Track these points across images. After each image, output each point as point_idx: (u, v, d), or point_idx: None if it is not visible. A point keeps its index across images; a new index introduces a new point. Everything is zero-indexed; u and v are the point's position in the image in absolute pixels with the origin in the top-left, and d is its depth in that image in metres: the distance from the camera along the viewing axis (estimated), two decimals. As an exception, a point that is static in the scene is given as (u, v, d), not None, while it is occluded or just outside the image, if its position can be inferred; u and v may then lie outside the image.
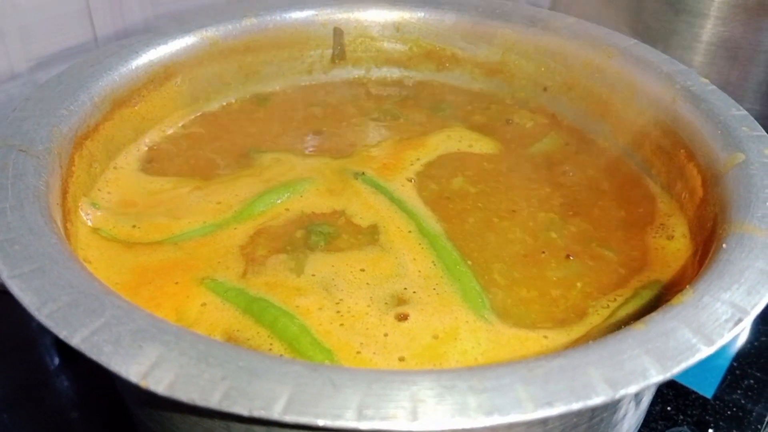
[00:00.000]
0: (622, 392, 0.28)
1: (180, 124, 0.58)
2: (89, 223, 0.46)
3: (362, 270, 0.44)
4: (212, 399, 0.27)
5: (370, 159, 0.55)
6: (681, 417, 0.53)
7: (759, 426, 0.52)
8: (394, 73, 0.67)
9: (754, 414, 0.53)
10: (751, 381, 0.56)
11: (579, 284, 0.44)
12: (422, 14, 0.65)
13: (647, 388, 0.28)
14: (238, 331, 0.39)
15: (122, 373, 0.28)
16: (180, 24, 0.58)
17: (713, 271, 0.35)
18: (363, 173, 0.53)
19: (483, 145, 0.57)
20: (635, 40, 0.57)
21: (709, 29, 0.73)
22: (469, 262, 0.45)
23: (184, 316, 0.40)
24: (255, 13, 0.61)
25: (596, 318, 0.42)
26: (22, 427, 0.52)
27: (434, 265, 0.45)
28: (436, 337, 0.39)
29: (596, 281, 0.44)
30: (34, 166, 0.40)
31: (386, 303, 0.42)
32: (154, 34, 0.56)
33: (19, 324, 0.58)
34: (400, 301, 0.42)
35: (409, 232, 0.47)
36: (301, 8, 0.63)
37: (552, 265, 0.46)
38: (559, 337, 0.40)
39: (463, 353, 0.39)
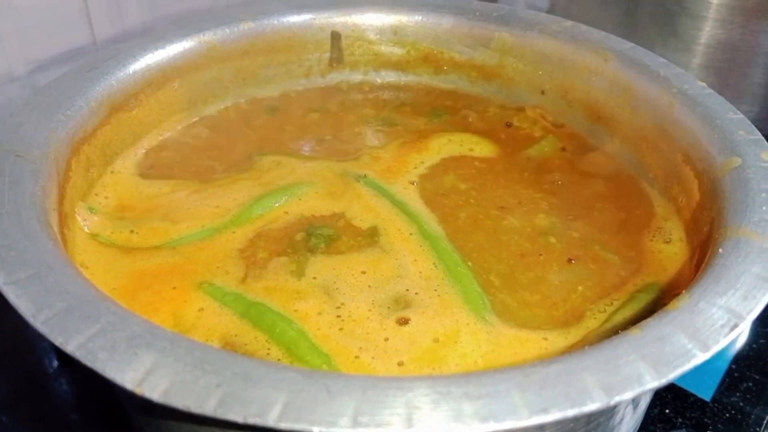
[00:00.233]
0: (617, 398, 0.28)
1: (177, 129, 0.59)
2: (86, 229, 0.46)
3: (363, 272, 0.44)
4: (207, 406, 0.27)
5: (372, 162, 0.55)
6: (680, 420, 0.52)
7: (758, 428, 0.52)
8: (391, 76, 0.67)
9: (752, 416, 0.53)
10: (750, 384, 0.56)
11: (580, 288, 0.44)
12: (420, 18, 0.65)
13: (643, 394, 0.28)
14: (235, 335, 0.39)
15: (117, 380, 0.28)
16: (178, 28, 0.58)
17: (709, 276, 0.35)
18: (365, 176, 0.53)
19: (483, 149, 0.57)
20: (632, 44, 0.57)
21: (706, 32, 0.73)
22: (470, 263, 0.45)
23: (181, 321, 0.40)
24: (252, 17, 0.61)
25: (593, 322, 0.42)
26: (21, 430, 0.52)
27: (435, 266, 0.45)
28: (436, 340, 0.39)
29: (595, 284, 0.44)
30: (31, 172, 0.40)
31: (388, 307, 0.42)
32: (151, 38, 0.56)
33: (18, 327, 0.58)
34: (402, 303, 0.42)
35: (411, 234, 0.47)
36: (299, 12, 0.63)
37: (552, 267, 0.46)
38: (558, 339, 0.40)
39: (463, 356, 0.39)
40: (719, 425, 0.52)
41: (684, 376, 0.29)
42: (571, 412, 0.27)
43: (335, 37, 0.65)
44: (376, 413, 0.27)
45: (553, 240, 0.48)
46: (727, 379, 0.56)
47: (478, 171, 0.55)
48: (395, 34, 0.65)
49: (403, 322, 0.41)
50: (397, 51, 0.66)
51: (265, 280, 0.43)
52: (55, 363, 0.57)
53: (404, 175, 0.53)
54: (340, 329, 0.40)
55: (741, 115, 0.47)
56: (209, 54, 0.59)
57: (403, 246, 0.46)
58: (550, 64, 0.61)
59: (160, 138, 0.57)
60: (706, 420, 0.52)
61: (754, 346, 0.59)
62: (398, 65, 0.67)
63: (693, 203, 0.46)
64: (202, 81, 0.60)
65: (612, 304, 0.43)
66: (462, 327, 0.40)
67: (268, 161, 0.55)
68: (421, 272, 0.44)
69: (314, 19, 0.64)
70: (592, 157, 0.57)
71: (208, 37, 0.59)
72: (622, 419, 0.38)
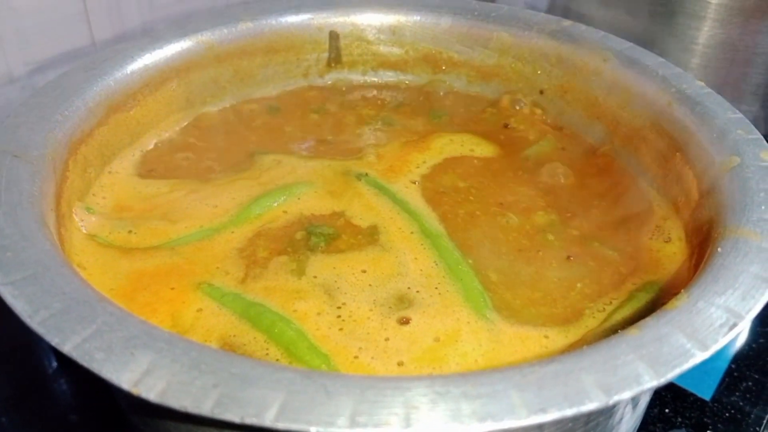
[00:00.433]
0: (615, 398, 0.28)
1: (175, 129, 0.58)
2: (83, 229, 0.46)
3: (364, 271, 0.44)
4: (204, 406, 0.27)
5: (374, 162, 0.55)
6: (679, 419, 0.52)
7: (757, 428, 0.52)
8: (390, 76, 0.67)
9: (752, 416, 0.53)
10: (750, 383, 0.56)
11: (578, 285, 0.44)
12: (418, 18, 0.65)
13: (641, 393, 0.28)
14: (234, 336, 0.39)
15: (114, 381, 0.28)
16: (176, 28, 0.58)
17: (708, 276, 0.35)
18: (366, 174, 0.53)
19: (484, 149, 0.57)
20: (631, 43, 0.57)
21: (705, 32, 0.73)
22: (470, 261, 0.45)
23: (179, 321, 0.40)
24: (251, 17, 0.61)
25: (592, 321, 0.42)
26: (20, 431, 0.52)
27: (436, 264, 0.45)
28: (437, 339, 0.39)
29: (593, 281, 0.44)
30: (29, 172, 0.40)
31: (389, 307, 0.42)
32: (149, 39, 0.56)
33: (16, 327, 0.58)
34: (403, 301, 0.42)
35: (411, 233, 0.47)
36: (297, 12, 0.63)
37: (551, 264, 0.46)
38: (559, 337, 0.40)
39: (464, 355, 0.39)
40: (719, 425, 0.52)
41: (683, 376, 0.29)
42: (569, 412, 0.27)
43: (333, 37, 0.65)
44: (374, 413, 0.26)
45: (551, 237, 0.48)
46: (726, 379, 0.56)
47: (478, 171, 0.55)
48: (394, 34, 0.65)
49: (404, 321, 0.40)
50: (396, 51, 0.66)
51: (265, 280, 0.43)
52: (54, 364, 0.57)
53: (406, 175, 0.53)
54: (340, 329, 0.40)
55: (740, 115, 0.47)
56: (207, 54, 0.59)
57: (403, 244, 0.46)
58: (548, 64, 0.61)
59: (158, 138, 0.57)
60: (705, 419, 0.52)
61: (753, 345, 0.59)
62: (397, 65, 0.67)
63: (692, 203, 0.46)
64: (201, 81, 0.60)
65: (611, 303, 0.43)
66: (463, 326, 0.40)
67: (268, 160, 0.55)
68: (421, 270, 0.44)
69: (312, 19, 0.64)
70: (591, 157, 0.57)
71: (206, 37, 0.59)
72: (621, 419, 0.38)
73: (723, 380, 0.56)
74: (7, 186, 0.38)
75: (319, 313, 0.41)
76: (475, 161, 0.56)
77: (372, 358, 0.38)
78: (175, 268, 0.43)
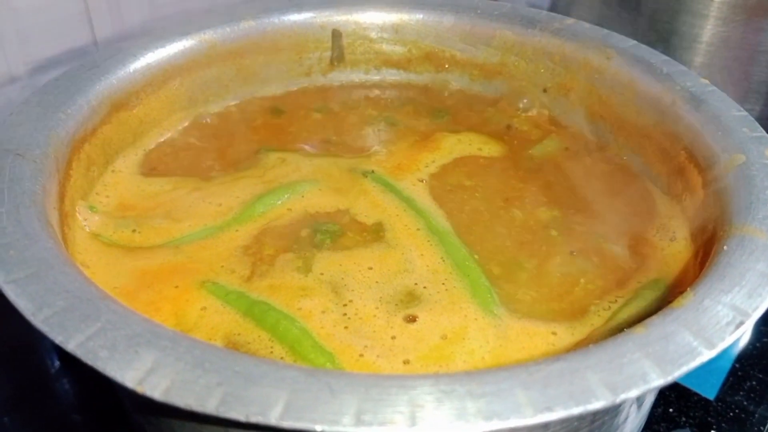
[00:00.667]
0: (622, 397, 0.27)
1: (178, 128, 0.58)
2: (87, 228, 0.46)
3: (370, 268, 0.44)
4: (208, 404, 0.26)
5: (382, 160, 0.55)
6: (683, 419, 0.52)
7: (761, 428, 0.52)
8: (393, 75, 0.67)
9: (756, 416, 0.53)
10: (754, 383, 0.55)
11: (582, 280, 0.44)
12: (421, 16, 0.64)
13: (648, 392, 0.28)
14: (238, 335, 0.39)
15: (118, 379, 0.27)
16: (178, 27, 0.58)
17: (714, 274, 0.34)
18: (372, 171, 0.53)
19: (491, 149, 0.57)
20: (634, 41, 0.57)
21: (709, 30, 0.72)
22: (476, 256, 0.45)
23: (183, 320, 0.40)
24: (253, 16, 0.61)
25: (598, 319, 0.41)
26: (23, 431, 0.52)
27: (443, 260, 0.45)
28: (444, 337, 0.39)
29: (597, 276, 0.44)
30: (31, 171, 0.40)
31: (396, 304, 0.41)
32: (152, 37, 0.56)
33: (19, 327, 0.58)
34: (410, 298, 0.42)
35: (418, 229, 0.47)
36: (299, 10, 0.63)
37: (558, 261, 0.46)
38: (567, 334, 0.40)
39: (471, 353, 0.38)
40: (723, 424, 0.52)
41: (688, 375, 0.29)
42: (575, 411, 0.27)
43: (336, 35, 0.65)
44: (379, 411, 0.26)
45: (555, 233, 0.48)
46: (730, 378, 0.56)
47: (483, 169, 0.54)
48: (396, 32, 0.65)
49: (411, 319, 0.40)
50: (399, 49, 0.66)
51: (271, 278, 0.43)
52: (57, 363, 0.57)
53: (414, 173, 0.53)
54: (345, 327, 0.40)
55: (744, 113, 0.47)
56: (210, 53, 0.59)
57: (409, 241, 0.46)
58: (552, 62, 0.61)
59: (161, 137, 0.57)
60: (709, 419, 0.52)
61: (757, 345, 0.59)
62: (399, 64, 0.66)
63: (697, 201, 0.46)
64: (203, 80, 0.59)
65: (616, 301, 0.43)
66: (470, 322, 0.40)
67: (272, 158, 0.55)
68: (428, 266, 0.44)
69: (315, 17, 0.63)
70: (595, 156, 0.57)
71: (209, 35, 0.59)
72: (626, 418, 0.38)
73: (727, 380, 0.56)
74: (9, 184, 0.38)
75: (323, 311, 0.41)
76: (481, 160, 0.56)
77: (377, 356, 0.38)
78: (179, 266, 0.43)
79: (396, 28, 0.65)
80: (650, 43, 0.57)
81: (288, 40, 0.63)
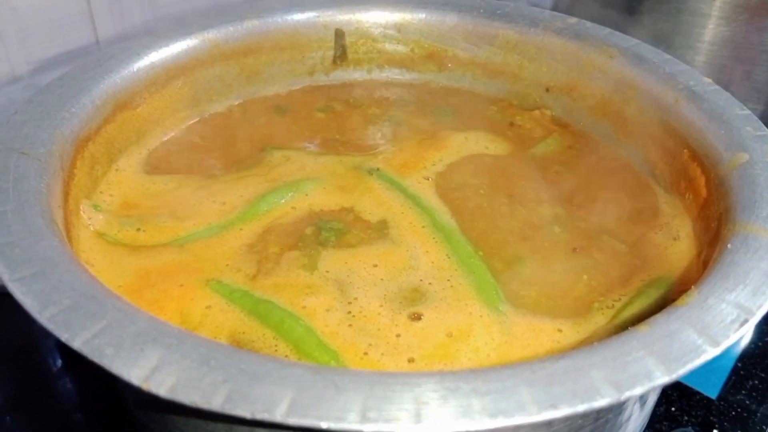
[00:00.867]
0: (627, 394, 0.28)
1: (182, 127, 0.58)
2: (91, 227, 0.46)
3: (375, 265, 0.44)
4: (214, 402, 0.26)
5: (389, 158, 0.55)
6: (685, 418, 0.52)
7: (764, 426, 0.52)
8: (395, 74, 0.67)
9: (758, 414, 0.53)
10: (756, 381, 0.56)
11: (585, 276, 0.44)
12: (423, 15, 0.64)
13: (652, 390, 0.28)
14: (243, 333, 0.39)
15: (124, 376, 0.28)
16: (181, 26, 0.58)
17: (718, 272, 0.34)
18: (378, 169, 0.53)
19: (497, 147, 0.57)
20: (637, 40, 0.57)
21: (711, 29, 0.72)
22: (481, 253, 0.45)
23: (188, 318, 0.40)
24: (256, 15, 0.61)
25: (602, 317, 0.41)
26: (25, 430, 0.52)
27: (448, 257, 0.45)
28: (449, 335, 0.39)
29: (600, 273, 0.45)
30: (36, 169, 0.40)
31: (400, 302, 0.41)
32: (155, 37, 0.56)
33: (21, 326, 0.58)
34: (415, 295, 0.42)
35: (423, 227, 0.47)
36: (302, 10, 0.63)
37: (561, 258, 0.46)
38: (572, 331, 0.40)
39: (476, 350, 0.39)
40: (725, 423, 0.52)
41: (690, 374, 0.29)
42: (580, 408, 0.27)
43: (339, 34, 0.65)
44: (385, 409, 0.26)
45: (558, 230, 0.48)
46: (733, 377, 0.56)
47: (488, 168, 0.55)
48: (399, 31, 0.65)
49: (416, 317, 0.40)
50: (401, 48, 0.66)
51: (277, 276, 0.43)
52: (59, 362, 0.57)
53: (420, 171, 0.53)
54: (349, 325, 0.40)
55: (748, 111, 0.47)
56: (213, 52, 0.59)
57: (414, 238, 0.46)
58: (554, 61, 0.61)
59: (165, 136, 0.57)
60: (712, 418, 0.52)
61: (759, 344, 0.59)
62: (402, 63, 0.67)
63: (700, 200, 0.46)
64: (206, 79, 0.60)
65: (620, 299, 0.43)
66: (475, 320, 0.40)
67: (276, 157, 0.55)
68: (433, 263, 0.44)
69: (318, 16, 0.64)
70: (598, 155, 0.57)
71: (212, 35, 0.59)
72: (630, 416, 0.38)
73: (729, 379, 0.56)
74: (14, 183, 0.38)
75: (328, 310, 0.41)
76: (485, 158, 0.56)
77: (382, 354, 0.38)
78: (184, 265, 0.43)
79: (399, 27, 0.65)
80: (652, 43, 0.57)
81: (291, 40, 0.63)
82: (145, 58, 0.54)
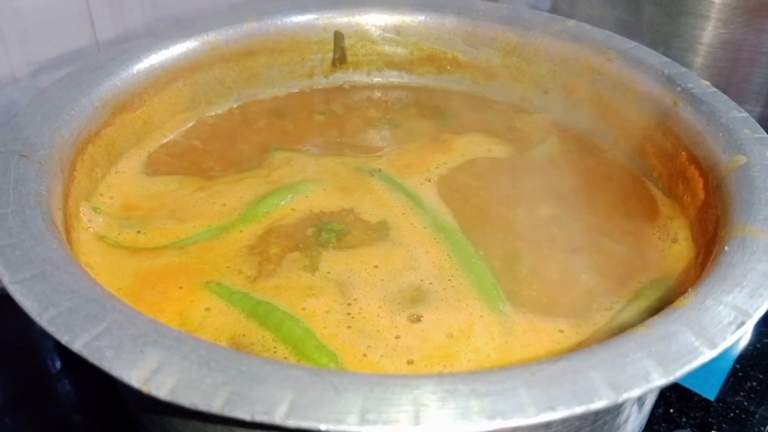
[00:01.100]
0: (625, 396, 0.28)
1: (181, 129, 0.58)
2: (91, 229, 0.46)
3: (376, 266, 0.44)
4: (214, 404, 0.27)
5: (390, 161, 0.55)
6: (684, 419, 0.52)
7: (762, 428, 0.52)
8: (394, 76, 0.67)
9: (757, 416, 0.53)
10: (754, 383, 0.56)
11: (584, 277, 0.44)
12: (423, 18, 0.65)
13: (650, 391, 0.28)
14: (243, 336, 0.39)
15: (124, 378, 0.28)
16: (181, 28, 0.58)
17: (715, 274, 0.35)
18: (379, 170, 0.53)
19: (500, 149, 0.57)
20: (636, 43, 0.57)
21: (709, 31, 0.73)
22: (482, 253, 0.46)
23: (188, 320, 0.40)
24: (256, 17, 0.61)
25: (600, 318, 0.42)
26: (24, 431, 0.52)
27: (449, 257, 0.45)
28: (450, 335, 0.39)
29: (598, 273, 0.45)
30: (36, 171, 0.40)
31: (399, 303, 0.42)
32: (155, 39, 0.56)
33: (21, 328, 0.58)
34: (416, 295, 0.42)
35: (424, 227, 0.48)
36: (302, 12, 0.63)
37: (563, 259, 0.46)
38: (572, 332, 0.40)
39: (476, 351, 0.39)
40: (723, 425, 0.52)
41: (688, 376, 0.29)
42: (578, 410, 0.27)
43: (338, 37, 0.65)
44: (384, 410, 0.26)
45: (557, 231, 0.48)
46: (731, 379, 0.56)
47: (489, 170, 0.55)
48: (398, 34, 0.65)
49: (416, 319, 0.40)
50: (400, 51, 0.66)
51: (278, 278, 0.43)
52: (58, 364, 0.57)
53: (423, 173, 0.53)
54: (349, 327, 0.40)
55: (746, 114, 0.47)
56: (213, 54, 0.59)
57: (414, 239, 0.47)
58: (553, 64, 0.61)
59: (164, 138, 0.57)
60: (710, 420, 0.52)
61: (758, 345, 0.59)
62: (401, 65, 0.67)
63: (698, 202, 0.46)
64: (206, 81, 0.60)
65: (618, 301, 0.43)
66: (476, 320, 0.41)
67: (278, 158, 0.55)
68: (434, 263, 0.45)
69: (317, 19, 0.64)
70: (596, 157, 0.57)
71: (212, 37, 0.59)
72: (628, 418, 0.38)
73: (727, 380, 0.56)
74: (15, 185, 0.38)
75: (327, 311, 0.41)
76: (486, 161, 0.56)
77: (381, 356, 0.38)
78: (184, 267, 0.43)
79: (398, 30, 0.65)
80: (651, 45, 0.57)
81: (290, 42, 0.63)
82: (145, 60, 0.54)
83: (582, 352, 0.30)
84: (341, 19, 0.64)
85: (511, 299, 0.42)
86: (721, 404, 0.54)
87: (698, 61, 0.74)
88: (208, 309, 0.41)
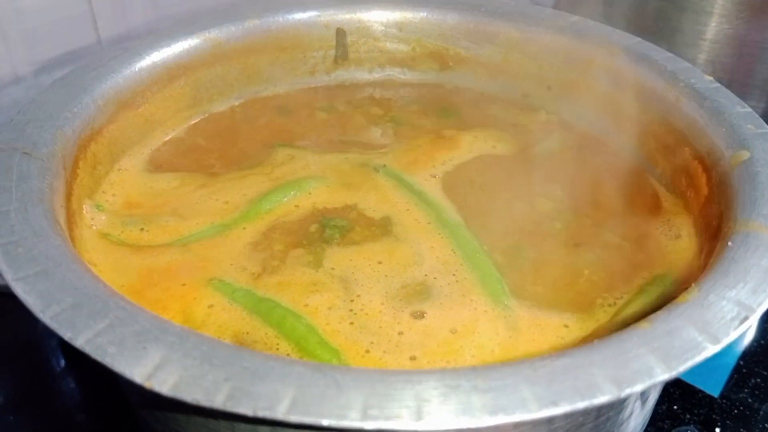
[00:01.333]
0: (627, 391, 0.28)
1: (183, 126, 0.59)
2: (93, 227, 0.46)
3: (380, 262, 0.44)
4: (216, 400, 0.27)
5: (396, 157, 0.55)
6: (687, 416, 0.52)
7: (766, 425, 0.52)
8: (397, 73, 0.67)
9: (761, 413, 0.53)
10: (758, 380, 0.55)
11: (587, 272, 0.44)
12: (425, 14, 0.64)
13: (653, 386, 0.28)
14: (246, 333, 0.39)
15: (126, 374, 0.28)
16: (183, 26, 0.58)
17: (718, 270, 0.34)
18: (384, 166, 0.53)
19: (505, 146, 0.57)
20: (639, 39, 0.57)
21: (713, 27, 0.72)
22: (486, 248, 0.45)
23: (191, 318, 0.40)
24: (257, 15, 0.61)
25: (603, 315, 0.42)
26: (28, 429, 0.52)
27: (453, 252, 0.45)
28: (453, 331, 0.39)
29: (600, 268, 0.45)
30: (38, 169, 0.40)
31: (402, 299, 0.42)
32: (157, 37, 0.56)
33: (24, 326, 0.58)
34: (420, 289, 0.42)
35: (429, 223, 0.48)
36: (304, 9, 0.63)
37: (567, 254, 0.46)
38: (577, 327, 0.40)
39: (480, 346, 0.39)
40: (727, 421, 0.52)
41: (692, 372, 0.29)
42: (581, 405, 0.27)
43: (340, 34, 0.65)
44: (386, 406, 0.26)
45: (560, 226, 0.48)
46: (735, 376, 0.56)
47: (493, 166, 0.55)
48: (400, 30, 0.65)
49: (419, 315, 0.40)
50: (403, 47, 0.66)
51: (282, 274, 0.43)
52: (62, 362, 0.57)
53: (429, 170, 0.53)
54: (351, 323, 0.40)
55: (749, 109, 0.47)
56: (214, 52, 0.59)
57: (418, 234, 0.47)
58: (556, 60, 0.61)
59: (167, 136, 0.57)
60: (714, 416, 0.52)
61: (762, 342, 0.59)
62: (403, 62, 0.67)
63: (701, 198, 0.46)
64: (208, 79, 0.60)
65: (621, 297, 0.43)
66: (480, 315, 0.41)
67: (281, 155, 0.55)
68: (438, 257, 0.45)
69: (319, 16, 0.64)
70: (600, 153, 0.57)
71: (214, 34, 0.59)
72: (631, 414, 0.38)
73: (731, 377, 0.56)
74: (17, 183, 0.38)
75: (330, 308, 0.41)
76: (490, 157, 0.56)
77: (384, 352, 0.38)
78: (187, 264, 0.43)
79: (400, 26, 0.65)
80: (654, 41, 0.57)
81: (292, 39, 0.63)
82: (147, 57, 0.54)
83: (584, 348, 0.30)
84: (343, 16, 0.64)
85: (516, 294, 0.42)
86: (725, 401, 0.54)
87: (702, 56, 0.74)
88: (211, 306, 0.41)
